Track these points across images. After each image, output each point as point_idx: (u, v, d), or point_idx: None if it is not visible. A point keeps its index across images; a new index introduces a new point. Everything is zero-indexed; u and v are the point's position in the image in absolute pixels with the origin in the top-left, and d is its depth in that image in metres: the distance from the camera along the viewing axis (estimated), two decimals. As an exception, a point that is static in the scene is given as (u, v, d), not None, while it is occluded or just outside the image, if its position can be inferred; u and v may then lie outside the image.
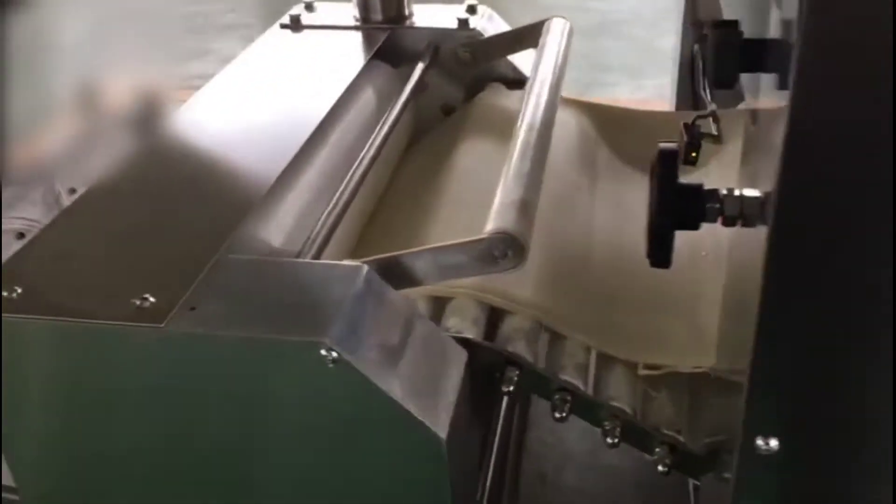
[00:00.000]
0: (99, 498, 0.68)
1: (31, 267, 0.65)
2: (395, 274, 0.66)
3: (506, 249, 0.64)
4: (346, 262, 0.65)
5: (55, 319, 0.60)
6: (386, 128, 0.92)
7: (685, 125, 0.88)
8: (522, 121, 0.81)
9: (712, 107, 0.89)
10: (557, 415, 0.70)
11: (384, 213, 0.93)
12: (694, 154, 0.86)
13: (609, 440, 0.71)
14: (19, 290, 0.62)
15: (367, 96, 1.01)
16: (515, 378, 0.70)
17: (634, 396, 0.74)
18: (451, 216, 0.86)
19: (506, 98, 1.09)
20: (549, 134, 0.80)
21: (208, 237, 0.67)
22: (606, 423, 0.72)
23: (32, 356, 0.62)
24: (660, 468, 0.71)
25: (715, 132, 0.88)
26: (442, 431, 0.59)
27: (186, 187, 0.74)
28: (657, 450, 0.72)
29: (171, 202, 0.72)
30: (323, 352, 0.57)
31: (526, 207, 0.67)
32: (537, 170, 0.73)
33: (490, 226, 0.65)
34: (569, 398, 0.71)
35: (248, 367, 0.59)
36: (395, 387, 0.59)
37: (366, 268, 0.64)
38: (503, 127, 1.00)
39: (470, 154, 0.97)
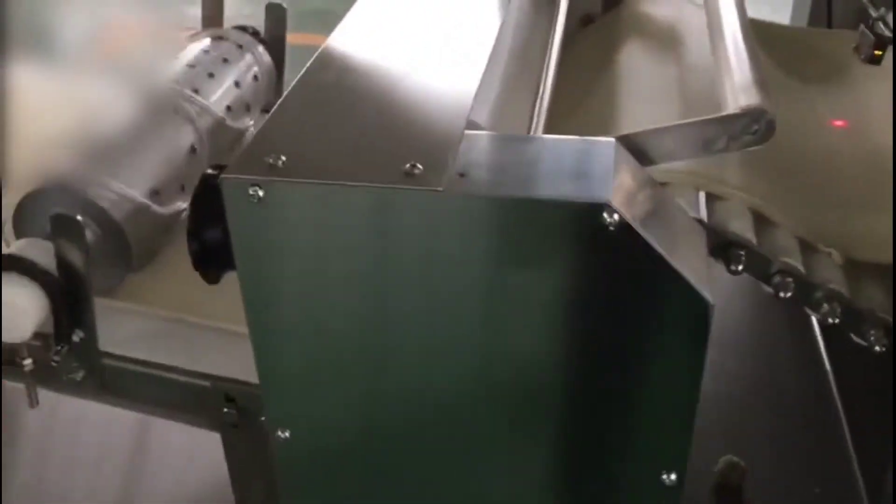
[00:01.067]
0: (347, 380, 0.69)
1: (288, 138, 0.66)
2: (642, 150, 0.67)
3: (756, 126, 0.66)
4: (597, 138, 0.67)
5: (329, 183, 0.61)
6: (557, 35, 0.93)
7: (865, 25, 0.89)
8: (714, 11, 0.82)
9: (881, 11, 0.90)
10: (782, 294, 0.72)
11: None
12: (879, 53, 0.87)
13: (830, 320, 0.73)
14: (284, 158, 0.63)
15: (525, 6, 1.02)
16: (743, 258, 0.72)
17: (845, 282, 0.76)
18: (635, 110, 0.87)
19: (651, 4, 1.10)
20: (746, 22, 0.81)
21: (446, 118, 0.68)
22: (824, 305, 0.74)
23: (298, 224, 0.63)
24: (877, 348, 0.73)
25: (888, 33, 0.89)
26: (708, 297, 0.61)
27: (397, 81, 0.74)
28: (871, 333, 0.74)
29: (391, 92, 0.73)
30: (605, 214, 0.59)
31: (766, 86, 0.68)
32: (755, 53, 0.74)
33: (740, 102, 0.66)
34: (790, 280, 0.73)
35: (522, 231, 0.60)
36: (666, 252, 0.60)
37: (616, 142, 0.66)
38: (656, 33, 1.00)
39: (632, 57, 0.98)
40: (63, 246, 0.79)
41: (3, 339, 0.80)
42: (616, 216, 0.58)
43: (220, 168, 0.72)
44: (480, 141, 0.66)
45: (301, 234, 0.63)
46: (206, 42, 1.15)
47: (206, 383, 0.86)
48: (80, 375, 0.86)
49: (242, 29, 1.22)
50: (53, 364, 0.82)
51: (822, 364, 1.13)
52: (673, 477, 0.69)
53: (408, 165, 0.61)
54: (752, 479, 0.97)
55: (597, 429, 0.68)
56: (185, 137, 1.00)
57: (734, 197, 0.75)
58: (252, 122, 1.15)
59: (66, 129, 0.98)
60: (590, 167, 0.63)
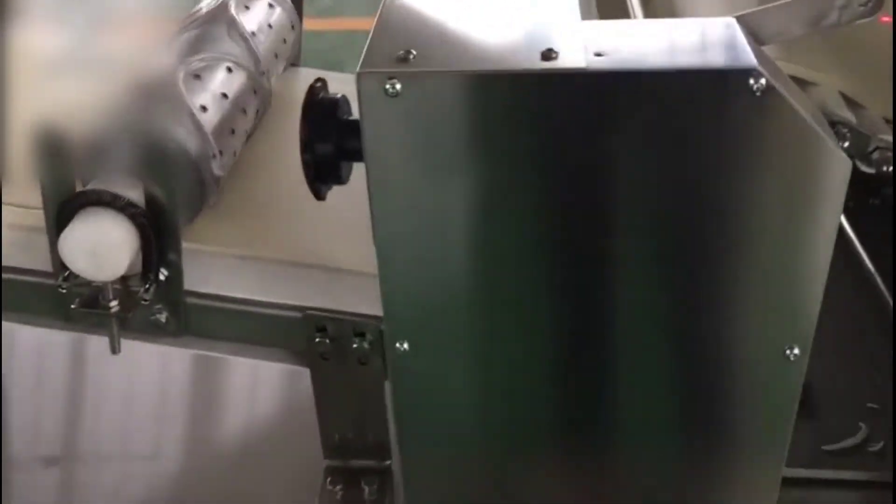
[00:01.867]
0: (475, 289, 0.68)
1: (411, 34, 0.65)
2: (753, 30, 0.68)
3: (867, -2, 0.67)
4: (714, 18, 0.67)
5: (474, 72, 0.60)
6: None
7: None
8: None
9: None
10: (885, 168, 0.75)
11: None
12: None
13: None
14: (414, 52, 0.63)
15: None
16: (847, 135, 0.74)
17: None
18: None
19: None
20: None
21: (556, 11, 0.68)
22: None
23: (435, 117, 0.62)
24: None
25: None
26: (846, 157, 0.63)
27: None
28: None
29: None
30: (752, 79, 0.60)
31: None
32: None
33: (852, -26, 0.68)
34: (889, 154, 0.75)
35: (671, 104, 0.61)
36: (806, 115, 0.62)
37: (736, 20, 0.67)
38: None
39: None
40: (152, 179, 0.77)
41: (99, 278, 0.77)
42: (763, 81, 0.59)
43: (323, 81, 0.71)
44: (602, 27, 0.66)
45: (438, 127, 0.63)
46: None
47: (297, 314, 0.85)
48: (164, 316, 0.84)
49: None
50: (143, 303, 0.80)
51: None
52: (797, 351, 0.71)
53: (544, 49, 0.62)
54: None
55: (731, 300, 0.68)
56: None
57: (825, 82, 0.78)
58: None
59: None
60: (721, 41, 0.64)
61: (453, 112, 0.62)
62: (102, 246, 0.75)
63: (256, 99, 1.01)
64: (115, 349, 0.85)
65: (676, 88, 0.60)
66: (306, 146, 0.69)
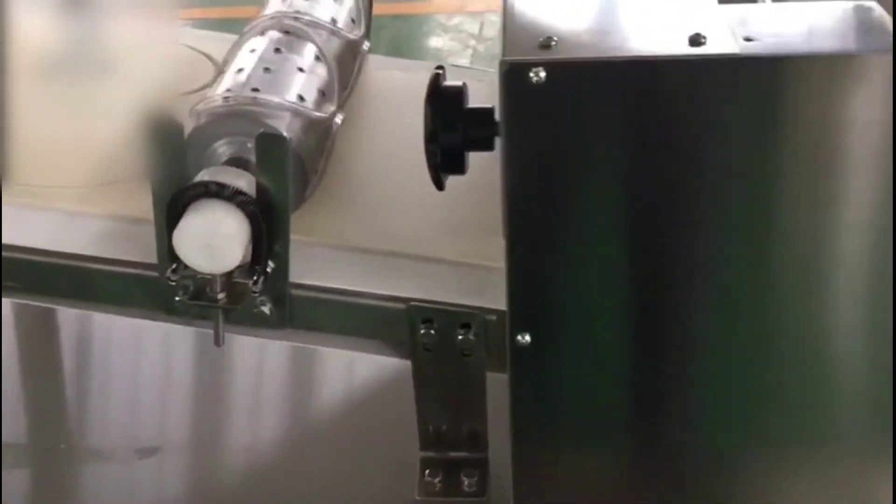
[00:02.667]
0: (607, 284, 0.67)
1: (550, 22, 0.64)
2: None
3: None
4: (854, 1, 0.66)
5: (625, 58, 0.60)
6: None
7: None
8: None
9: None
10: None
11: None
12: None
13: None
14: (556, 40, 0.61)
15: None
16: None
17: None
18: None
19: None
20: None
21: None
22: None
23: (579, 105, 0.61)
24: None
25: None
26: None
27: None
28: None
29: None
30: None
31: None
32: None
33: None
34: None
35: (828, 88, 0.60)
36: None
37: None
38: None
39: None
40: (266, 168, 0.76)
41: (213, 270, 0.76)
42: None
43: (442, 68, 0.70)
44: (742, 12, 0.65)
45: (582, 115, 0.62)
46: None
47: (400, 306, 0.84)
48: (268, 308, 0.83)
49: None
50: (254, 294, 0.79)
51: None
52: None
53: (692, 34, 0.60)
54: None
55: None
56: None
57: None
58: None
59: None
60: (858, 23, 0.62)
61: (599, 99, 0.61)
62: (218, 238, 0.74)
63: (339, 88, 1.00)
64: (219, 341, 0.84)
65: (837, 72, 0.59)
66: (433, 136, 0.68)
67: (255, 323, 0.84)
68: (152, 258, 0.82)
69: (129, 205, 0.88)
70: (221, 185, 0.75)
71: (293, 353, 1.07)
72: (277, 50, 0.95)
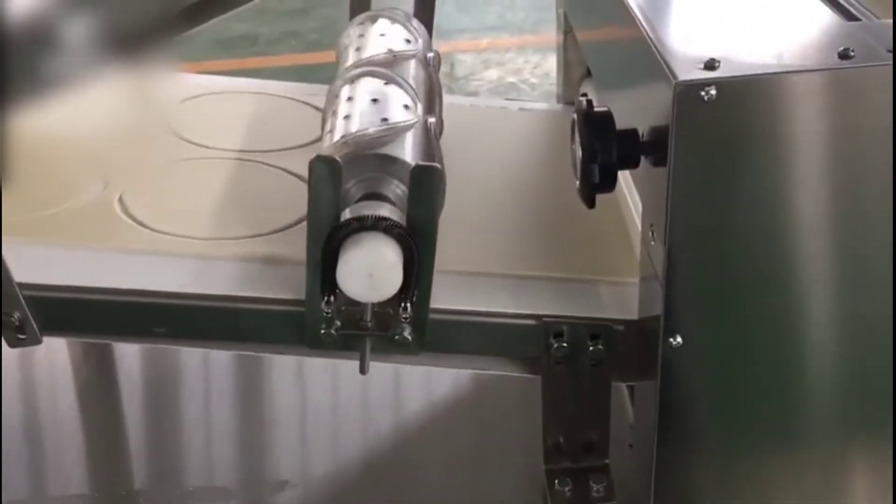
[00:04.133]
0: (769, 289, 0.71)
1: (704, 40, 0.71)
2: None
3: None
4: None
5: (790, 73, 0.65)
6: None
7: None
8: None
9: None
10: None
11: None
12: None
13: None
14: (718, 58, 0.67)
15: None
16: None
17: None
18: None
19: None
20: None
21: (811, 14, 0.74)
22: None
23: (748, 120, 0.66)
24: None
25: None
26: None
27: None
28: None
29: None
30: None
31: None
32: None
33: None
34: None
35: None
36: None
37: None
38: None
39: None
40: (418, 198, 0.80)
41: (374, 299, 0.80)
42: None
43: (585, 94, 0.75)
44: (868, 27, 0.72)
45: (749, 129, 0.67)
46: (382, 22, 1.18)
47: (531, 322, 0.88)
48: (407, 333, 0.87)
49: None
50: (403, 321, 0.83)
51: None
52: None
53: (841, 49, 0.67)
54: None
55: None
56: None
57: None
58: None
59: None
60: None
61: (766, 113, 0.66)
62: (379, 267, 0.78)
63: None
64: (364, 369, 0.87)
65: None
66: (592, 156, 0.73)
67: (394, 349, 0.88)
68: (287, 294, 0.87)
69: (255, 249, 0.93)
70: (379, 218, 0.79)
71: (395, 373, 1.12)
72: (374, 100, 1.00)
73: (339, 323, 0.85)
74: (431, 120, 0.99)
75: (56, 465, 1.11)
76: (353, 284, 0.79)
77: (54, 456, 1.13)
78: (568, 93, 1.40)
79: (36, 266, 0.86)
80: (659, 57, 0.70)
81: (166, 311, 0.86)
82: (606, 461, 0.96)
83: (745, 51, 0.69)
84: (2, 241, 0.81)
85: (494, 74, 2.88)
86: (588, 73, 1.30)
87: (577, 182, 0.78)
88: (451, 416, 1.13)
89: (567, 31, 1.34)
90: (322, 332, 0.85)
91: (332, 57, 1.13)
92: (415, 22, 1.24)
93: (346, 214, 0.82)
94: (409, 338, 0.87)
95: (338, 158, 0.78)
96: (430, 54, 1.17)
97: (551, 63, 3.71)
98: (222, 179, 1.04)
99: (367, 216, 0.79)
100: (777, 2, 0.79)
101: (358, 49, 1.12)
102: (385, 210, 0.82)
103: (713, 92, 0.65)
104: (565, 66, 1.39)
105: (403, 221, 0.82)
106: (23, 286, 0.83)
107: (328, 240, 0.80)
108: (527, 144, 1.29)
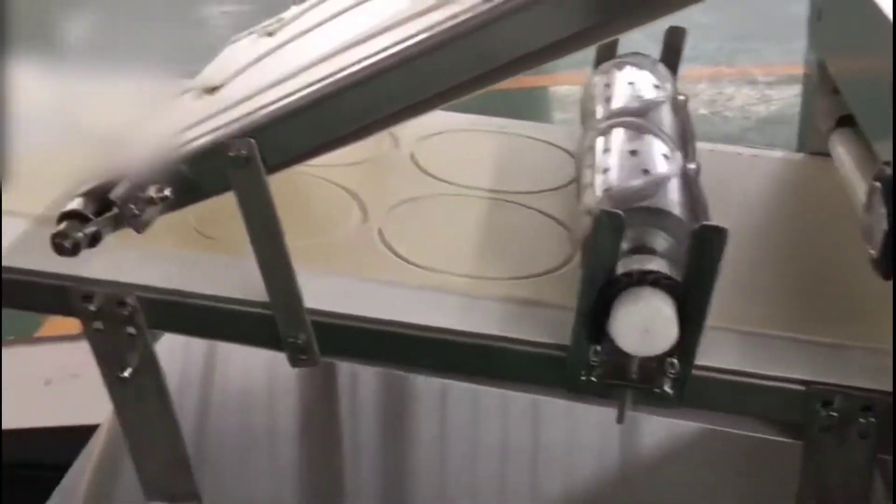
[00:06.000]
0: None
1: None
2: None
3: None
4: None
5: None
6: None
7: None
8: None
9: None
10: None
11: None
12: None
13: None
14: None
15: None
16: None
17: None
18: None
19: None
20: None
21: None
22: None
23: None
24: None
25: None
26: None
27: None
28: None
29: None
30: None
31: None
32: None
33: None
34: None
35: None
36: None
37: None
38: None
39: None
40: (699, 256, 0.80)
41: (647, 353, 0.81)
42: None
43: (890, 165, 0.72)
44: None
45: None
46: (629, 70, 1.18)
47: (799, 387, 0.86)
48: (668, 386, 0.86)
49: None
50: (669, 375, 0.83)
51: None
52: None
53: None
54: None
55: None
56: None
57: None
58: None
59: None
60: None
61: None
62: (658, 322, 0.78)
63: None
64: (622, 419, 0.88)
65: None
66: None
67: (654, 401, 0.88)
68: (548, 338, 0.88)
69: (515, 291, 0.95)
70: (657, 274, 0.79)
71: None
72: (633, 152, 1.01)
73: (600, 370, 0.86)
74: (692, 167, 0.99)
75: (267, 480, 1.17)
76: (628, 338, 0.79)
77: (267, 468, 1.19)
78: (811, 142, 1.35)
79: (313, 293, 0.91)
80: None
81: (433, 345, 0.89)
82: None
83: None
84: (293, 266, 0.87)
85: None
86: (839, 125, 1.25)
87: (872, 251, 0.75)
88: (682, 471, 1.11)
89: (820, 78, 1.30)
90: (582, 378, 0.86)
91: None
92: (660, 66, 1.24)
93: (619, 267, 0.83)
94: (670, 391, 0.87)
95: (621, 213, 0.78)
96: (681, 97, 1.16)
97: (745, 96, 3.61)
98: (477, 217, 1.07)
99: (646, 271, 0.79)
100: None
101: (607, 99, 1.13)
102: (659, 264, 0.82)
103: None
104: (812, 115, 1.35)
105: (674, 274, 0.82)
106: (308, 311, 0.88)
107: (602, 291, 0.81)
108: (771, 194, 1.26)
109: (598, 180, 0.96)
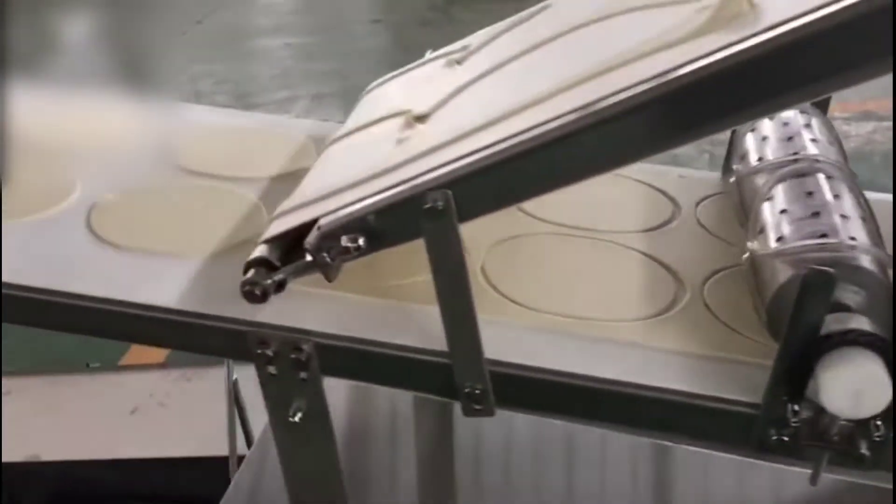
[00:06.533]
0: None
1: None
2: None
3: None
4: None
5: None
6: None
7: None
8: None
9: None
10: None
11: None
12: None
13: None
14: None
15: None
16: None
17: None
18: None
19: None
20: None
21: None
22: None
23: None
24: None
25: None
26: None
27: None
28: None
29: None
30: None
31: None
32: None
33: None
34: None
35: None
36: None
37: None
38: None
39: None
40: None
41: (856, 416, 0.78)
42: None
43: None
44: None
45: None
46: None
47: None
48: (865, 448, 0.83)
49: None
50: (874, 438, 0.80)
51: None
52: None
53: None
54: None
55: None
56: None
57: None
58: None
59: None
60: None
61: None
62: (869, 385, 0.76)
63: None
64: (815, 481, 0.85)
65: None
66: None
67: (848, 464, 0.85)
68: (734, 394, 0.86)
69: (684, 338, 0.93)
70: (867, 332, 0.77)
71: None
72: (808, 193, 0.98)
73: (794, 430, 0.83)
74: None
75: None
76: (837, 400, 0.77)
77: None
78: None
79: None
80: None
81: (615, 398, 0.87)
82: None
83: None
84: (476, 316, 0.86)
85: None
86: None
87: None
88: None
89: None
90: (773, 437, 0.84)
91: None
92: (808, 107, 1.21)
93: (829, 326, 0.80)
94: (867, 454, 0.84)
95: (832, 271, 0.76)
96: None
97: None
98: (578, 257, 1.04)
99: (855, 330, 0.77)
100: None
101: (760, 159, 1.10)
102: (859, 321, 0.80)
103: None
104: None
105: (875, 331, 0.79)
106: (488, 361, 0.87)
107: (808, 350, 0.79)
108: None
109: (769, 233, 0.94)
